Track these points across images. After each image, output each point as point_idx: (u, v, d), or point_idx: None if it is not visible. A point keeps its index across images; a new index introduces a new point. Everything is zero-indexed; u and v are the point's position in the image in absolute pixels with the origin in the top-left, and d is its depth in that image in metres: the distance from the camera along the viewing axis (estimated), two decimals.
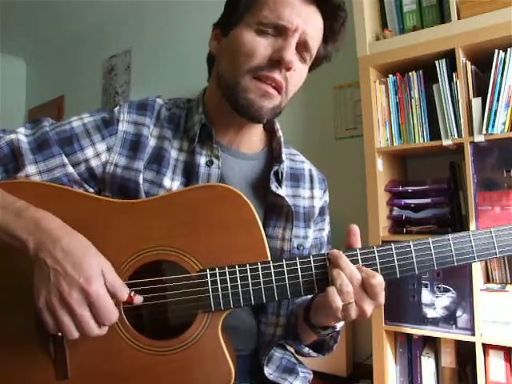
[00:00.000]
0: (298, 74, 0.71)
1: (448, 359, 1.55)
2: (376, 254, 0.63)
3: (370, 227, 1.64)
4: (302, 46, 0.69)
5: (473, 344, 1.43)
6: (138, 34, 3.22)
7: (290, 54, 0.66)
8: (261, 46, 0.67)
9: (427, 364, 1.58)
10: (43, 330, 0.58)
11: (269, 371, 0.75)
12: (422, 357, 1.59)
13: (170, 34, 2.99)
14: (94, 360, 0.62)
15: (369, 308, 0.60)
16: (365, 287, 0.59)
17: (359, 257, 0.63)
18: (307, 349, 0.79)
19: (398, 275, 0.63)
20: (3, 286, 0.63)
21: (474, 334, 1.43)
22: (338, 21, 0.72)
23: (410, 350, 1.63)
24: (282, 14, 0.66)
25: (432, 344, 1.62)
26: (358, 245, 0.65)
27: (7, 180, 0.66)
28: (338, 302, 0.58)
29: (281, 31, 0.67)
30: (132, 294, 0.60)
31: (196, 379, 0.62)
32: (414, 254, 0.63)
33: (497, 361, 1.42)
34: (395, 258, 0.63)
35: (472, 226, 1.45)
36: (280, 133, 0.83)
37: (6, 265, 0.63)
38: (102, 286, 0.56)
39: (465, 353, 1.54)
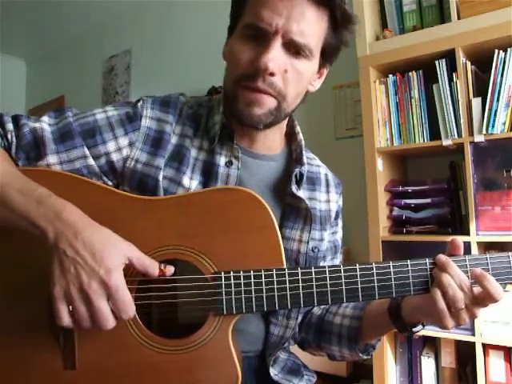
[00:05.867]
0: (294, 72, 0.67)
1: (448, 359, 1.55)
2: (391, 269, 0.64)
3: (370, 227, 1.64)
4: (290, 45, 0.66)
5: (473, 344, 1.43)
6: (138, 34, 3.22)
7: (268, 60, 0.63)
8: (244, 54, 0.66)
9: (427, 364, 1.58)
10: (54, 320, 0.58)
11: (274, 372, 0.75)
12: (422, 357, 1.59)
13: (170, 33, 2.99)
14: (103, 353, 0.62)
15: (478, 311, 0.62)
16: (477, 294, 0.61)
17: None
18: (356, 351, 0.79)
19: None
20: (16, 275, 0.63)
21: (474, 334, 1.43)
22: (335, 6, 0.67)
23: (410, 350, 1.63)
24: (261, 15, 0.64)
25: (432, 344, 1.62)
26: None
27: (30, 167, 0.66)
28: (442, 305, 0.60)
29: (262, 34, 0.65)
30: (162, 266, 0.60)
31: (203, 380, 0.62)
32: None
33: (497, 361, 1.42)
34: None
35: (472, 225, 1.45)
36: (301, 136, 0.82)
37: (20, 253, 0.62)
38: (121, 278, 0.56)
39: (465, 353, 1.55)
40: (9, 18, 3.29)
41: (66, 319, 0.55)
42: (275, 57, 0.64)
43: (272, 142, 0.79)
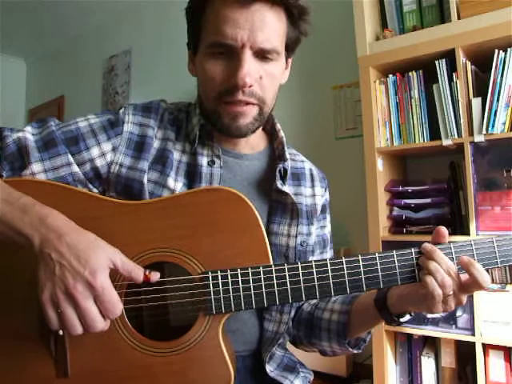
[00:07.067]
0: (268, 77, 0.70)
1: (448, 359, 1.55)
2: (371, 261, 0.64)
3: (369, 227, 1.64)
4: (259, 53, 0.68)
5: (473, 344, 1.43)
6: (138, 34, 3.22)
7: (243, 76, 0.65)
8: (217, 72, 0.68)
9: (427, 364, 1.58)
10: (45, 327, 0.58)
11: (270, 368, 0.75)
12: (422, 357, 1.60)
13: (170, 33, 2.99)
14: (95, 359, 0.62)
15: (465, 297, 0.63)
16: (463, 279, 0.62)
17: (361, 263, 0.64)
18: (346, 346, 0.79)
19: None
20: (6, 284, 0.63)
21: (474, 334, 1.43)
22: (290, 3, 0.68)
23: (410, 350, 1.63)
24: (224, 32, 0.65)
25: (432, 344, 1.62)
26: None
27: (13, 178, 0.67)
28: (439, 290, 0.60)
29: (230, 50, 0.66)
30: (147, 272, 0.60)
31: (196, 381, 0.63)
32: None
33: (497, 361, 1.42)
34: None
35: (472, 225, 1.45)
36: (282, 133, 0.84)
37: (9, 262, 0.63)
38: (107, 279, 0.56)
39: (465, 353, 1.55)
40: (9, 18, 3.29)
41: (55, 323, 0.55)
42: (249, 70, 0.66)
43: (253, 141, 0.81)
